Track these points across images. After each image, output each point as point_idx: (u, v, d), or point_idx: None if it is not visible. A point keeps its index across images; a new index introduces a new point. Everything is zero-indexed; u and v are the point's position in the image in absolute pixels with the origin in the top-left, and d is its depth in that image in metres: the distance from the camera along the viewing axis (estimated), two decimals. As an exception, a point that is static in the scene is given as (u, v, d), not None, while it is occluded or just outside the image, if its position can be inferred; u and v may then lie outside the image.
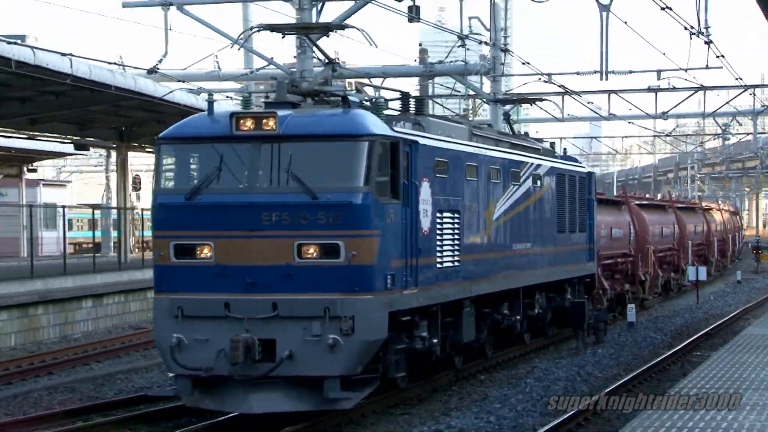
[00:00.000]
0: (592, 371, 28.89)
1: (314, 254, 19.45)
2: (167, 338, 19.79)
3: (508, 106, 36.85)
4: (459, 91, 61.81)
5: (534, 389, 25.94)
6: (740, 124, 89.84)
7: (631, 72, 58.78)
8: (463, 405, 24.13)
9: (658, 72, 59.23)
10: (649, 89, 61.41)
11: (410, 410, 23.42)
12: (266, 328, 19.21)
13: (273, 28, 23.39)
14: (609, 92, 63.43)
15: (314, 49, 23.59)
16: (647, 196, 67.10)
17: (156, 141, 21.56)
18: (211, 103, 21.51)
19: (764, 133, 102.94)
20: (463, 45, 46.36)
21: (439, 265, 22.60)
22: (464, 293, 24.41)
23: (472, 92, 59.00)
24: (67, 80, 36.88)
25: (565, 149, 43.96)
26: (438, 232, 22.49)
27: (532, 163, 29.15)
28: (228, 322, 19.41)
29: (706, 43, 40.18)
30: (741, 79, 59.72)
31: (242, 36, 25.61)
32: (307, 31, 24.37)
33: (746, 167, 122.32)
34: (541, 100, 43.11)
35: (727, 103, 69.27)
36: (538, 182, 29.88)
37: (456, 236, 23.65)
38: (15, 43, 34.47)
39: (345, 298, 19.14)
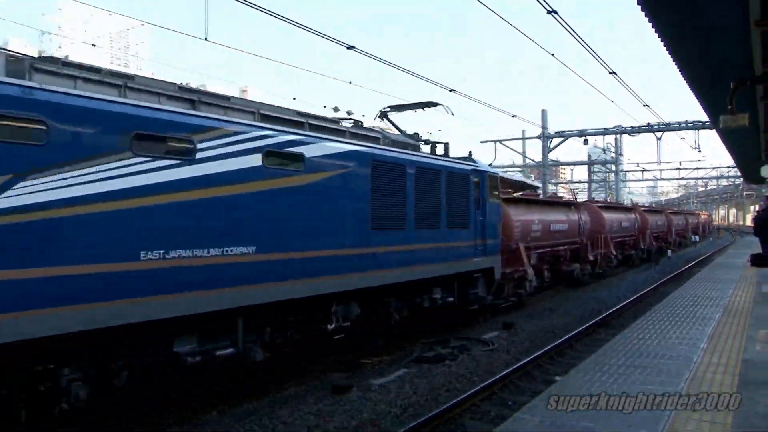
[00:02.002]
0: (655, 276, 25.34)
1: None
2: None
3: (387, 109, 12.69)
4: (602, 168, 58.62)
5: (629, 283, 23.18)
6: (716, 183, 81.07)
7: (669, 162, 58.04)
8: (600, 287, 21.90)
9: (680, 162, 55.47)
10: (676, 168, 56.26)
11: (572, 292, 21.01)
12: None
13: None
14: (661, 169, 58.11)
15: None
16: (617, 201, 43.13)
17: None
18: None
19: (728, 184, 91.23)
20: (604, 152, 43.47)
21: None
22: None
23: (606, 169, 55.59)
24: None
25: (470, 152, 14.44)
26: None
27: (262, 135, 6.72)
28: None
29: (698, 152, 36.11)
30: (713, 165, 56.35)
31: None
32: None
33: (715, 198, 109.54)
34: (433, 105, 12.56)
35: (706, 174, 63.35)
36: (296, 165, 7.27)
37: None
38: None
39: None
